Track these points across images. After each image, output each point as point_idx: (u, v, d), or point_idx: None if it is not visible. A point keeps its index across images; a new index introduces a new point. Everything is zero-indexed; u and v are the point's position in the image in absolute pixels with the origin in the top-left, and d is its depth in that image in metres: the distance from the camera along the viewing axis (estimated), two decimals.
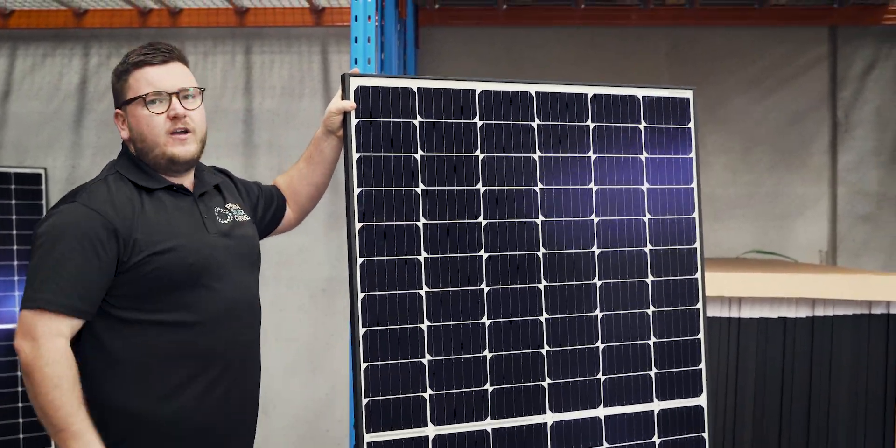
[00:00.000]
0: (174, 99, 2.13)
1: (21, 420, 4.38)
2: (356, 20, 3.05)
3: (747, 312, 3.07)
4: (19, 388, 4.37)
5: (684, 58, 4.56)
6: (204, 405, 2.10)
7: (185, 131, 2.14)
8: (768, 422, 3.08)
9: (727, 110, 4.55)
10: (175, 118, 2.13)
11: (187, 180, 2.22)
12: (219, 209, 2.24)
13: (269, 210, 2.43)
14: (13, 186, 4.54)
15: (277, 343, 4.72)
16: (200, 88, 2.20)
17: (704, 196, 4.45)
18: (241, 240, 2.22)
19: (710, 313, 3.08)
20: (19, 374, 4.38)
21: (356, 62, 3.04)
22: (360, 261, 2.14)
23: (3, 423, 4.32)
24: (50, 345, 1.98)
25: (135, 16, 4.74)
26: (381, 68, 3.85)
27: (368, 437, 2.10)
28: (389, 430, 2.13)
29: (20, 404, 4.37)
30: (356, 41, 3.04)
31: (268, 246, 4.59)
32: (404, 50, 4.33)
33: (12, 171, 4.54)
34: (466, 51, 4.67)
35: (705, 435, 2.46)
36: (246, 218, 2.30)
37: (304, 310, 4.73)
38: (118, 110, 2.18)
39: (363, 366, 2.12)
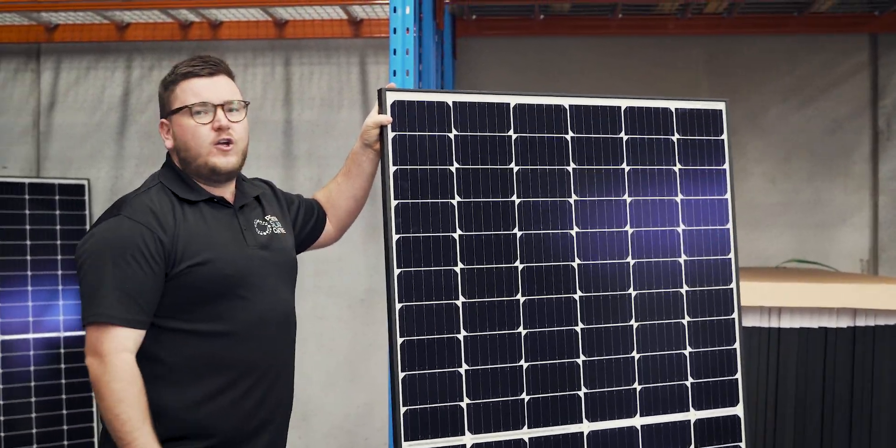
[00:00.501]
0: (219, 111, 2.17)
1: (65, 427, 4.45)
2: (395, 32, 3.08)
3: (787, 322, 3.06)
4: (63, 396, 4.45)
5: (722, 67, 4.55)
6: (237, 413, 2.14)
7: (228, 143, 2.18)
8: (809, 432, 3.06)
9: (766, 119, 4.53)
10: (219, 129, 2.17)
11: (228, 192, 2.26)
12: (258, 221, 2.27)
13: (308, 223, 2.46)
14: (57, 197, 4.63)
15: (318, 352, 4.76)
16: (245, 102, 2.24)
17: (743, 204, 4.44)
18: (278, 252, 2.25)
19: (749, 323, 3.07)
20: (64, 381, 4.46)
21: (395, 74, 3.07)
22: (397, 272, 2.16)
23: (49, 431, 4.40)
24: (116, 360, 2.03)
25: (176, 29, 4.82)
26: (420, 79, 3.89)
27: (406, 446, 2.13)
28: (427, 438, 2.15)
29: (64, 411, 4.44)
30: (395, 53, 3.07)
31: (306, 256, 4.63)
32: (442, 61, 4.35)
33: (56, 182, 4.63)
34: (503, 61, 4.70)
35: (742, 445, 2.45)
36: (284, 230, 2.33)
37: (344, 319, 4.77)
38: (164, 120, 2.23)
39: (401, 375, 2.14)
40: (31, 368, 4.41)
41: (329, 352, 4.75)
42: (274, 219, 2.32)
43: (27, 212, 4.55)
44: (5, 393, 4.36)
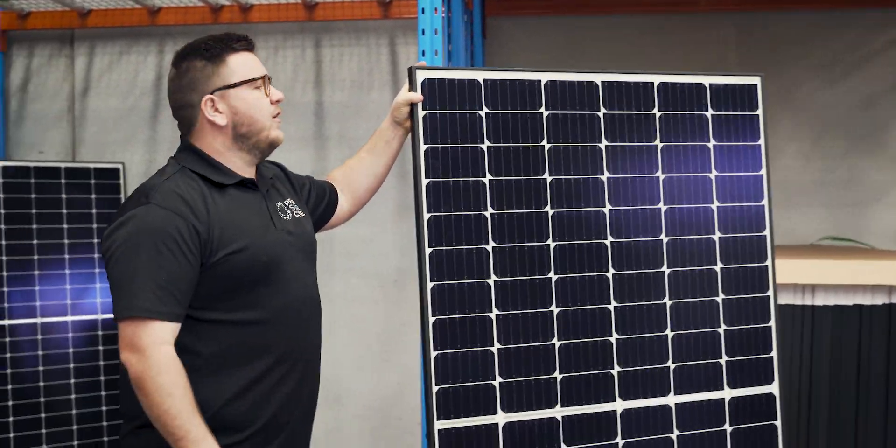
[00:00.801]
0: (269, 84, 2.20)
1: (104, 408, 4.52)
2: (423, 12, 3.08)
3: (821, 300, 3.04)
4: (102, 377, 4.51)
5: (753, 44, 4.50)
6: (275, 402, 2.13)
7: (278, 115, 2.20)
8: (844, 410, 3.05)
9: (798, 96, 4.48)
10: (277, 102, 2.19)
11: (253, 173, 2.23)
12: (280, 204, 2.25)
13: (319, 205, 2.44)
14: (93, 181, 4.68)
15: (349, 334, 4.79)
16: None
17: (777, 183, 4.40)
18: (302, 236, 2.24)
19: (783, 301, 3.05)
20: (102, 363, 4.52)
21: (423, 54, 3.07)
22: (428, 251, 2.17)
23: (88, 411, 4.47)
24: (157, 354, 1.96)
25: (207, 12, 4.83)
26: (449, 59, 3.88)
27: (439, 424, 2.14)
28: (460, 417, 2.16)
29: (102, 392, 4.51)
30: (423, 33, 3.07)
31: (336, 237, 4.70)
32: (471, 40, 4.35)
33: (92, 165, 4.68)
34: (532, 40, 4.67)
35: (777, 423, 2.44)
36: (303, 214, 2.31)
37: (375, 300, 4.79)
38: (211, 96, 2.13)
39: (433, 354, 2.15)
40: (70, 350, 4.48)
41: (360, 333, 4.78)
42: (292, 202, 2.30)
43: (63, 196, 4.60)
44: (45, 375, 4.43)
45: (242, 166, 2.18)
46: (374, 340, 4.78)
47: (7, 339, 4.44)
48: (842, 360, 3.03)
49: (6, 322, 4.44)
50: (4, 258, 4.45)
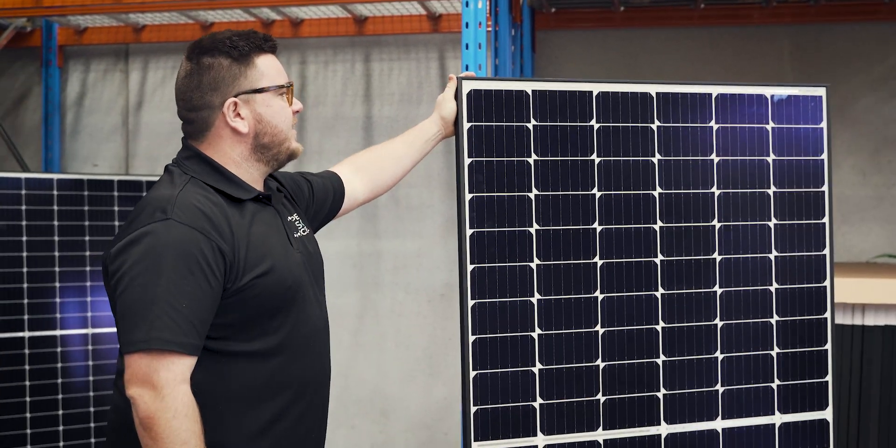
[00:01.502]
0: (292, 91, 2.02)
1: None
2: (467, 27, 3.06)
3: (871, 320, 2.94)
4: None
5: (808, 57, 4.40)
6: (294, 438, 1.93)
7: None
8: (894, 432, 2.95)
9: (855, 110, 4.37)
10: (296, 112, 2.01)
11: (262, 187, 2.02)
12: (289, 219, 2.04)
13: (322, 210, 2.23)
14: (145, 194, 4.72)
15: (397, 348, 4.77)
16: None
17: (833, 198, 4.29)
18: (313, 257, 2.05)
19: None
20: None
21: (467, 68, 3.05)
22: (470, 268, 2.13)
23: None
24: (176, 393, 1.73)
25: (258, 27, 4.86)
26: (495, 73, 3.85)
27: (477, 446, 2.09)
28: (498, 438, 2.11)
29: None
30: (467, 48, 3.05)
31: (385, 251, 4.68)
32: (521, 54, 4.31)
33: (144, 179, 4.71)
34: (583, 54, 4.62)
35: None
36: (307, 230, 2.10)
37: (423, 315, 4.76)
38: (236, 99, 1.91)
39: (472, 374, 2.11)
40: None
41: (407, 348, 4.75)
42: (297, 218, 2.09)
43: (116, 208, 4.64)
44: (95, 385, 4.47)
45: (257, 179, 1.98)
46: (421, 355, 4.75)
47: (59, 349, 4.49)
48: (892, 381, 2.93)
49: (59, 332, 4.49)
50: (58, 269, 4.50)
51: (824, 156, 2.41)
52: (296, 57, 4.95)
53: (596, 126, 2.24)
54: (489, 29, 3.91)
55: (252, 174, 1.97)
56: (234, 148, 1.93)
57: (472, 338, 2.12)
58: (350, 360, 4.83)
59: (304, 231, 2.06)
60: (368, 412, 4.81)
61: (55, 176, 4.63)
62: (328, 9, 4.65)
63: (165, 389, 1.72)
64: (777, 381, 2.33)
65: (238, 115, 1.91)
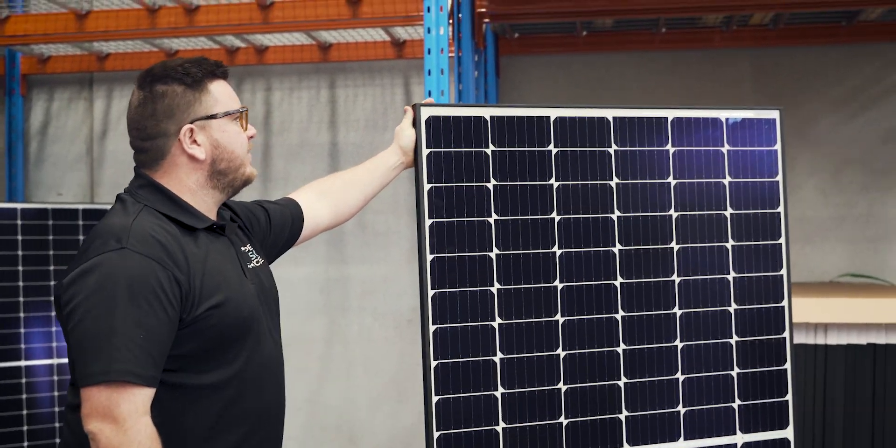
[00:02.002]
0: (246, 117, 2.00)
1: None
2: (429, 53, 3.08)
3: (834, 339, 2.97)
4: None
5: (769, 79, 4.46)
6: None
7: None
8: None
9: (816, 131, 4.43)
10: (251, 138, 2.00)
11: (215, 216, 2.00)
12: (242, 249, 2.02)
13: (280, 238, 2.21)
14: None
15: (365, 374, 4.75)
16: None
17: (795, 219, 4.34)
18: (267, 287, 2.03)
19: (795, 340, 2.99)
20: None
21: (430, 94, 3.06)
22: (431, 293, 2.13)
23: None
24: (138, 426, 1.70)
25: (223, 54, 4.87)
26: (459, 99, 3.87)
27: None
28: None
29: None
30: (430, 74, 3.06)
31: (353, 276, 4.67)
32: (485, 79, 4.34)
33: (109, 207, 4.69)
34: (547, 78, 4.67)
35: None
36: (262, 260, 2.08)
37: (390, 340, 4.75)
38: (192, 126, 1.89)
39: (434, 399, 2.11)
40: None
41: (376, 373, 4.73)
42: (251, 248, 2.06)
43: (80, 237, 4.61)
44: (61, 416, 4.41)
45: (211, 207, 1.96)
46: (389, 380, 4.73)
47: (24, 380, 4.43)
48: (855, 400, 2.95)
49: (24, 363, 4.43)
50: (22, 299, 4.45)
51: (779, 177, 2.44)
52: (261, 84, 4.96)
53: (554, 150, 2.26)
54: (451, 55, 3.94)
55: (207, 202, 1.95)
56: (190, 175, 1.92)
57: (433, 363, 2.12)
58: (318, 386, 4.81)
59: (257, 262, 2.04)
60: (336, 438, 4.78)
61: (19, 205, 4.59)
62: (293, 36, 4.67)
63: (128, 422, 1.69)
64: (738, 401, 2.34)
65: (194, 141, 1.90)
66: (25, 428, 4.43)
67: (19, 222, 4.51)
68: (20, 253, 4.51)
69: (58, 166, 5.09)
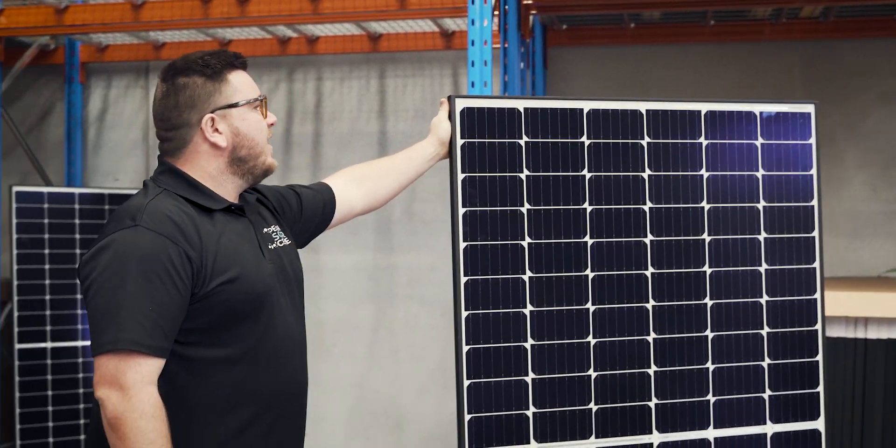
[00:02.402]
0: (266, 105, 2.06)
1: None
2: (473, 44, 3.13)
3: (874, 333, 2.96)
4: None
5: (819, 73, 4.43)
6: (265, 445, 1.96)
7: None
8: None
9: (866, 125, 4.39)
10: (271, 125, 2.07)
11: (237, 200, 2.07)
12: (265, 230, 2.08)
13: (311, 221, 2.27)
14: None
15: (411, 361, 4.82)
16: None
17: (844, 214, 4.32)
18: (288, 267, 2.07)
19: (835, 334, 2.99)
20: None
21: (473, 85, 3.11)
22: (464, 280, 2.19)
23: None
24: (142, 394, 1.77)
25: (275, 44, 4.96)
26: (504, 90, 3.91)
27: None
28: (492, 446, 2.17)
29: None
30: (473, 65, 3.11)
31: (399, 265, 4.74)
32: (533, 70, 4.37)
33: None
34: (595, 70, 4.68)
35: None
36: (288, 241, 2.14)
37: (436, 327, 4.81)
38: (213, 115, 1.96)
39: (466, 383, 2.17)
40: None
41: (421, 360, 4.80)
42: (277, 229, 2.13)
43: None
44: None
45: (231, 192, 2.03)
46: (435, 367, 4.80)
47: (80, 360, 4.59)
48: (895, 394, 2.95)
49: (80, 343, 4.58)
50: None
51: (813, 171, 2.45)
52: (312, 73, 5.04)
53: (587, 142, 2.29)
54: (497, 46, 3.97)
55: (227, 188, 2.02)
56: (211, 162, 1.99)
57: (465, 348, 2.18)
58: (365, 372, 4.89)
59: (281, 242, 2.10)
60: (383, 424, 4.87)
61: (77, 190, 4.74)
62: (343, 26, 4.74)
63: (132, 390, 1.76)
64: (769, 392, 2.36)
65: (216, 130, 1.97)
66: (81, 406, 4.59)
67: (77, 207, 4.66)
68: (77, 236, 4.66)
69: (115, 152, 5.23)
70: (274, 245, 2.07)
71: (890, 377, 2.98)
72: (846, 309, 2.96)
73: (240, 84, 1.99)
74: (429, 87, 4.91)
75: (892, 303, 2.95)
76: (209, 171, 1.99)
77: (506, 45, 3.89)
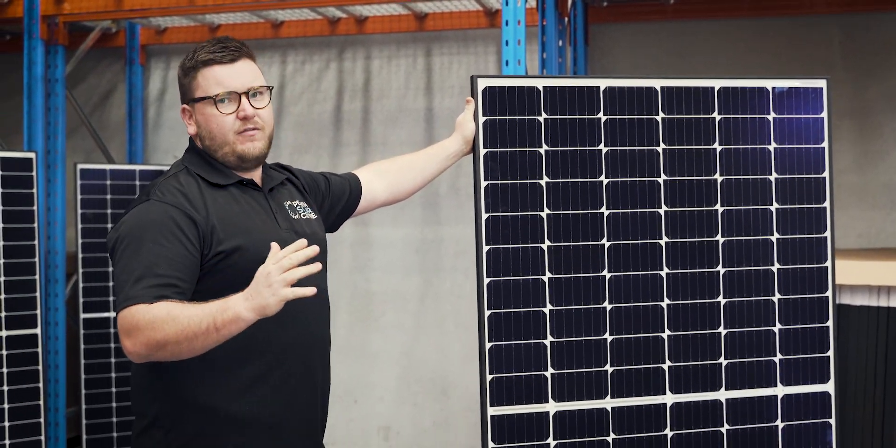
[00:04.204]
0: (243, 99, 2.15)
1: None
2: (507, 24, 3.25)
3: None
4: None
5: (858, 46, 4.45)
6: (276, 399, 2.11)
7: (254, 129, 2.18)
8: None
9: None
10: (245, 118, 2.15)
11: (256, 175, 2.24)
12: (288, 203, 2.26)
13: (337, 205, 2.45)
14: None
15: (456, 329, 4.98)
16: (269, 86, 2.23)
17: (880, 184, 4.35)
18: (310, 237, 2.16)
19: (858, 302, 3.07)
20: None
21: (507, 64, 3.23)
22: (486, 249, 2.33)
23: None
24: (146, 317, 1.92)
25: (325, 25, 5.12)
26: (542, 67, 4.03)
27: (492, 411, 2.30)
28: (512, 404, 2.31)
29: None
30: (507, 44, 3.23)
31: (446, 236, 4.89)
32: (574, 47, 4.47)
33: None
34: (636, 46, 4.76)
35: (832, 421, 2.49)
36: (313, 215, 2.30)
37: None
38: (185, 106, 2.19)
39: (488, 345, 2.31)
40: None
41: (467, 329, 4.96)
42: (303, 204, 2.30)
43: None
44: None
45: (237, 169, 2.21)
46: None
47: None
48: None
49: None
50: None
51: (825, 144, 2.53)
52: (361, 52, 5.20)
53: (603, 118, 2.41)
54: (536, 25, 4.08)
55: (228, 166, 2.20)
56: (201, 146, 2.22)
57: (487, 312, 2.32)
58: (413, 341, 5.07)
59: (305, 215, 2.27)
60: (430, 391, 5.04)
61: (138, 167, 4.98)
62: (390, 7, 4.88)
63: (141, 323, 1.91)
64: (779, 355, 2.47)
65: (190, 119, 2.21)
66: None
67: (138, 183, 4.89)
68: None
69: (174, 131, 5.45)
70: (297, 216, 2.25)
71: None
72: (870, 278, 3.04)
73: (204, 80, 2.14)
74: (473, 64, 5.04)
75: None
76: (205, 151, 2.21)
77: (544, 23, 4.00)
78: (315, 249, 1.96)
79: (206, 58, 2.14)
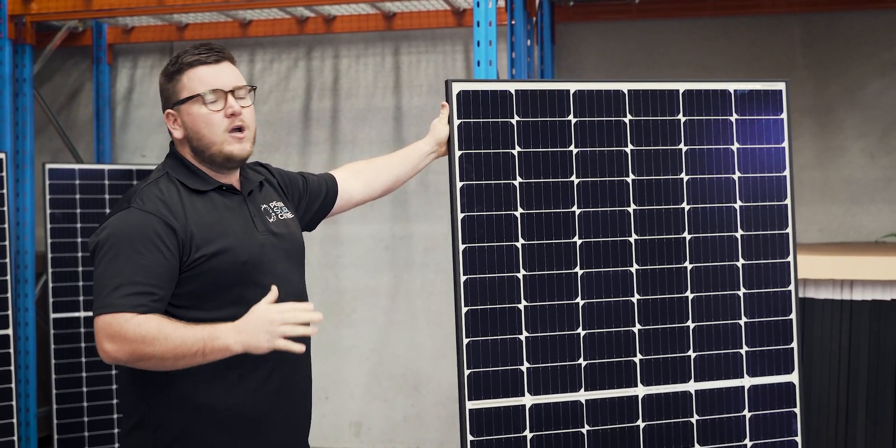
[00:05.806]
0: (230, 97, 2.18)
1: None
2: (478, 25, 3.30)
3: (859, 295, 3.14)
4: None
5: (819, 44, 4.57)
6: (259, 398, 2.17)
7: (241, 129, 2.20)
8: (882, 403, 3.15)
9: (864, 95, 4.53)
10: (232, 115, 2.18)
11: (234, 179, 2.27)
12: (264, 206, 2.30)
13: (314, 203, 2.50)
14: None
15: (427, 326, 5.05)
16: (252, 86, 2.25)
17: (842, 180, 4.48)
18: (287, 237, 2.28)
19: (822, 295, 3.17)
20: None
21: (479, 64, 3.29)
22: (462, 247, 2.39)
23: None
24: (129, 326, 1.99)
25: (293, 24, 5.15)
26: (511, 66, 4.09)
27: (471, 405, 2.36)
28: (490, 398, 2.38)
29: None
30: (478, 45, 3.29)
31: (416, 233, 4.95)
32: (541, 47, 4.54)
33: None
34: (602, 45, 4.84)
35: (797, 410, 2.58)
36: (290, 215, 2.35)
37: (451, 294, 5.01)
38: (170, 111, 2.20)
39: (465, 341, 2.37)
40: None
41: (438, 325, 5.02)
42: (280, 204, 2.35)
43: None
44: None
45: (216, 174, 2.24)
46: (451, 332, 4.98)
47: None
48: (879, 354, 3.13)
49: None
50: None
51: (785, 144, 2.63)
52: (329, 52, 5.23)
53: (573, 120, 2.49)
54: (504, 24, 4.14)
55: (210, 170, 2.23)
56: (185, 150, 2.24)
57: (464, 309, 2.38)
58: (384, 338, 5.12)
59: (282, 216, 2.32)
60: (402, 386, 5.10)
61: (106, 167, 4.98)
62: (359, 6, 4.92)
63: (122, 330, 1.98)
64: (746, 348, 2.56)
65: (175, 124, 2.22)
66: (113, 372, 4.84)
67: (106, 182, 4.89)
68: (107, 210, 4.88)
69: (142, 130, 5.46)
70: (274, 218, 2.29)
71: (874, 337, 3.15)
72: (833, 272, 3.14)
73: (190, 81, 2.18)
74: (441, 63, 5.09)
75: (876, 266, 3.12)
76: (188, 156, 2.24)
77: (513, 23, 4.06)
78: (319, 317, 2.07)
79: (190, 59, 2.18)
